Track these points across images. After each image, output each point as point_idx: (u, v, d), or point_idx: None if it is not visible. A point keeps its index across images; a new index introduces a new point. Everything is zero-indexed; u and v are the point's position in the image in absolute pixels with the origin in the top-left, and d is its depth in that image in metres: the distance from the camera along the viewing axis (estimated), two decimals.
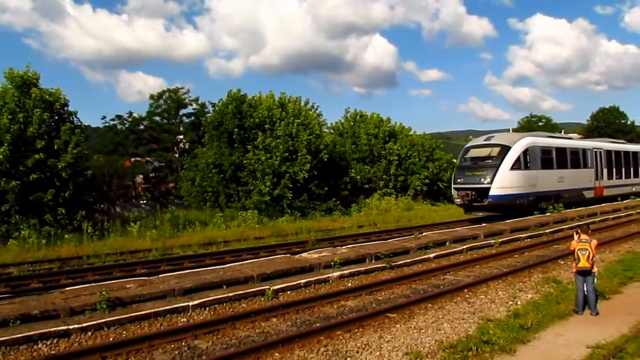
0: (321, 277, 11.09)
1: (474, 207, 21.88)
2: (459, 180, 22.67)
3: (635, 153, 33.09)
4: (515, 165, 21.35)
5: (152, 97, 44.02)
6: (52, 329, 7.45)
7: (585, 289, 8.43)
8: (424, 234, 16.05)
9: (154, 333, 7.63)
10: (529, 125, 61.84)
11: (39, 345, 7.18)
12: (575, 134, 32.85)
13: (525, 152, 21.91)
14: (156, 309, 8.55)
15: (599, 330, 7.55)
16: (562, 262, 12.80)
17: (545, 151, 23.57)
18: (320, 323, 8.20)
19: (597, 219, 21.61)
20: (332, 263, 11.91)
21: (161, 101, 43.87)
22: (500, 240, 15.94)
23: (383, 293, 10.24)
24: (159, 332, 7.67)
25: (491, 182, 20.87)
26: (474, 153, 23.26)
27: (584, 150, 27.01)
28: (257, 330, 7.98)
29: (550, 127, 60.70)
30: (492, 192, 20.83)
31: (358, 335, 7.62)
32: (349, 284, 10.92)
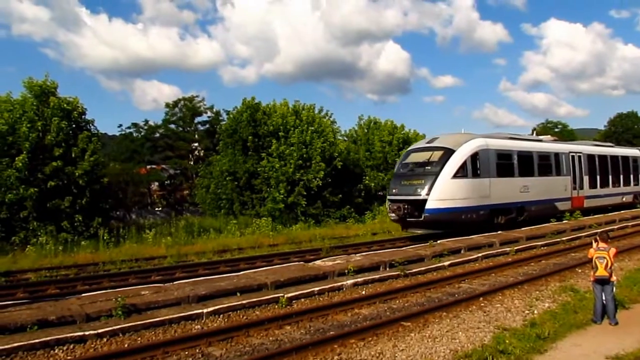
0: (335, 284, 11.05)
1: (410, 223, 18.49)
2: (393, 190, 19.31)
3: (625, 158, 28.83)
4: (460, 173, 18.01)
5: (167, 105, 44.66)
6: (68, 335, 7.52)
7: (603, 298, 8.28)
8: (438, 241, 15.92)
9: (168, 340, 7.67)
10: (545, 131, 61.16)
11: (56, 351, 7.25)
12: (548, 136, 26.57)
13: (475, 157, 18.55)
14: (170, 316, 8.59)
15: (618, 340, 7.40)
16: (579, 271, 12.61)
17: (503, 155, 20.16)
18: (334, 331, 8.16)
19: (616, 227, 21.20)
20: (346, 271, 11.87)
21: (176, 109, 44.45)
22: (515, 248, 15.76)
23: (397, 301, 10.17)
24: (173, 339, 7.70)
25: (428, 194, 17.52)
26: (413, 158, 19.82)
27: (556, 154, 23.21)
28: (270, 338, 7.97)
29: (566, 133, 60.11)
30: (429, 206, 17.39)
31: (372, 343, 7.57)
32: (363, 292, 10.87)
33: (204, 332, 8.02)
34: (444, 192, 17.64)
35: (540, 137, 25.59)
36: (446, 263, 13.53)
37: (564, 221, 21.96)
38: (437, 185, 17.60)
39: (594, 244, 8.55)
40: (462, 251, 15.18)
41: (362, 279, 11.59)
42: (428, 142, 20.40)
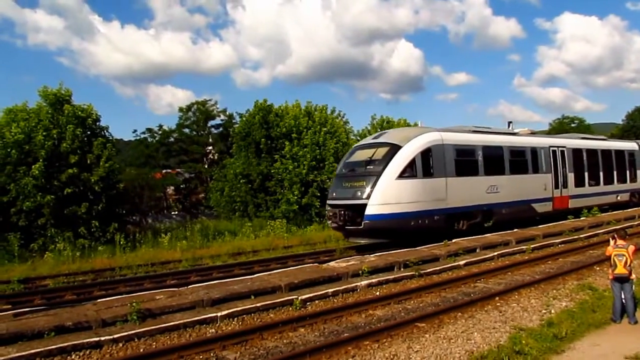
0: (349, 286, 11.02)
1: (350, 231, 16.09)
2: (333, 194, 16.96)
3: (620, 152, 25.65)
4: (407, 172, 15.68)
5: (181, 109, 44.89)
6: (84, 340, 7.60)
7: (622, 296, 8.12)
8: (453, 240, 15.78)
9: (183, 344, 7.71)
10: (561, 127, 60.44)
11: (72, 357, 7.34)
12: (526, 129, 23.55)
13: (426, 154, 16.20)
14: (185, 320, 8.64)
15: (638, 339, 7.26)
16: (597, 269, 12.42)
17: (464, 151, 17.70)
18: (349, 333, 8.14)
19: (635, 223, 20.83)
20: (360, 272, 11.83)
21: (190, 113, 44.66)
22: (532, 246, 15.55)
23: (412, 302, 10.11)
24: (188, 343, 7.74)
25: (368, 197, 15.23)
26: (357, 156, 17.39)
27: (533, 149, 20.56)
28: (284, 341, 7.97)
29: (583, 128, 59.13)
30: (369, 211, 15.09)
31: (386, 345, 7.52)
32: (377, 293, 10.82)
33: (218, 336, 8.05)
34: (387, 195, 15.34)
35: (516, 131, 22.51)
36: (461, 262, 13.41)
37: (582, 218, 21.60)
38: (379, 187, 15.29)
39: (612, 242, 8.40)
40: (477, 250, 15.04)
41: (376, 279, 11.54)
42: (374, 138, 18.18)
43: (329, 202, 17.10)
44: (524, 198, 19.73)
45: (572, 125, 62.64)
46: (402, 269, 12.58)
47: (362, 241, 16.15)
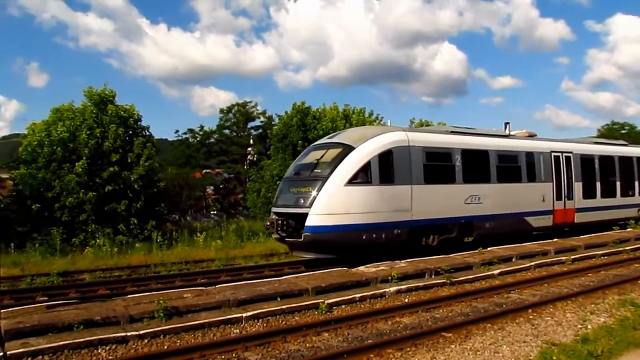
0: (377, 291, 10.85)
1: (291, 244, 14.15)
2: (277, 200, 15.03)
3: None
4: (360, 178, 13.55)
5: (221, 111, 45.73)
6: (111, 335, 7.75)
7: None
8: (488, 249, 15.35)
9: (206, 343, 7.75)
10: (610, 133, 58.17)
11: (99, 350, 7.48)
12: (523, 131, 20.35)
13: (386, 157, 14.03)
14: (210, 319, 8.69)
15: None
16: None
17: (437, 155, 15.34)
18: (372, 340, 8.00)
19: None
20: (390, 277, 11.63)
21: (230, 115, 45.43)
22: (572, 257, 14.93)
23: (441, 310, 9.86)
24: (212, 343, 7.78)
25: (310, 205, 13.24)
26: (310, 157, 15.23)
27: (529, 154, 17.95)
28: (307, 345, 7.90)
29: (634, 134, 56.86)
30: (309, 222, 13.08)
31: (410, 354, 7.34)
32: (406, 300, 10.61)
33: (241, 337, 8.05)
34: (333, 204, 13.25)
35: (507, 133, 19.49)
36: (496, 271, 13.01)
37: (628, 229, 20.64)
38: (323, 194, 13.22)
39: None
40: (513, 259, 14.55)
41: (405, 286, 11.32)
42: (330, 137, 16.17)
43: (272, 209, 15.18)
44: (515, 210, 17.24)
45: (622, 131, 60.24)
46: (433, 276, 12.30)
47: (307, 256, 14.20)
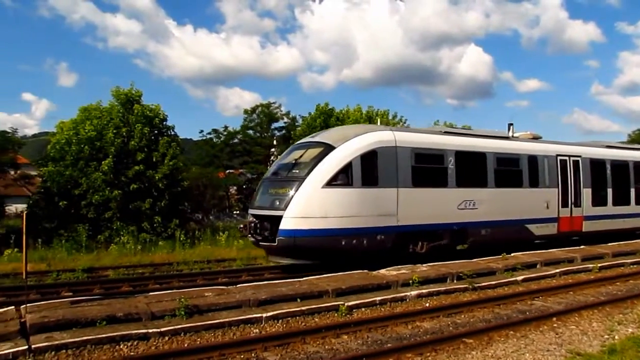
0: (398, 295, 10.76)
1: (268, 249, 13.52)
2: (254, 201, 14.34)
3: None
4: (340, 180, 12.82)
5: (245, 111, 46.14)
6: (133, 332, 7.84)
7: None
8: (512, 254, 15.08)
9: (225, 342, 7.79)
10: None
11: (121, 346, 7.58)
12: (527, 132, 19.20)
13: (369, 158, 13.28)
14: (230, 319, 8.73)
15: None
16: None
17: (427, 156, 14.49)
18: (392, 343, 7.93)
19: None
20: (411, 281, 11.51)
21: (254, 115, 45.77)
22: (600, 265, 14.57)
23: (462, 316, 9.71)
24: (231, 342, 7.81)
25: (285, 208, 12.60)
26: (291, 157, 14.61)
27: (532, 157, 16.95)
28: (326, 347, 7.87)
29: None
30: (284, 225, 12.44)
31: (430, 359, 7.25)
32: (427, 304, 10.48)
33: (261, 337, 8.07)
34: (309, 207, 12.57)
35: (509, 134, 18.37)
36: (519, 278, 12.77)
37: None
38: (299, 196, 12.55)
39: None
40: (538, 266, 14.27)
41: (426, 290, 11.20)
42: (312, 136, 15.50)
43: (249, 210, 14.57)
44: (515, 217, 16.21)
45: None
46: (455, 281, 12.15)
47: (283, 261, 13.62)
